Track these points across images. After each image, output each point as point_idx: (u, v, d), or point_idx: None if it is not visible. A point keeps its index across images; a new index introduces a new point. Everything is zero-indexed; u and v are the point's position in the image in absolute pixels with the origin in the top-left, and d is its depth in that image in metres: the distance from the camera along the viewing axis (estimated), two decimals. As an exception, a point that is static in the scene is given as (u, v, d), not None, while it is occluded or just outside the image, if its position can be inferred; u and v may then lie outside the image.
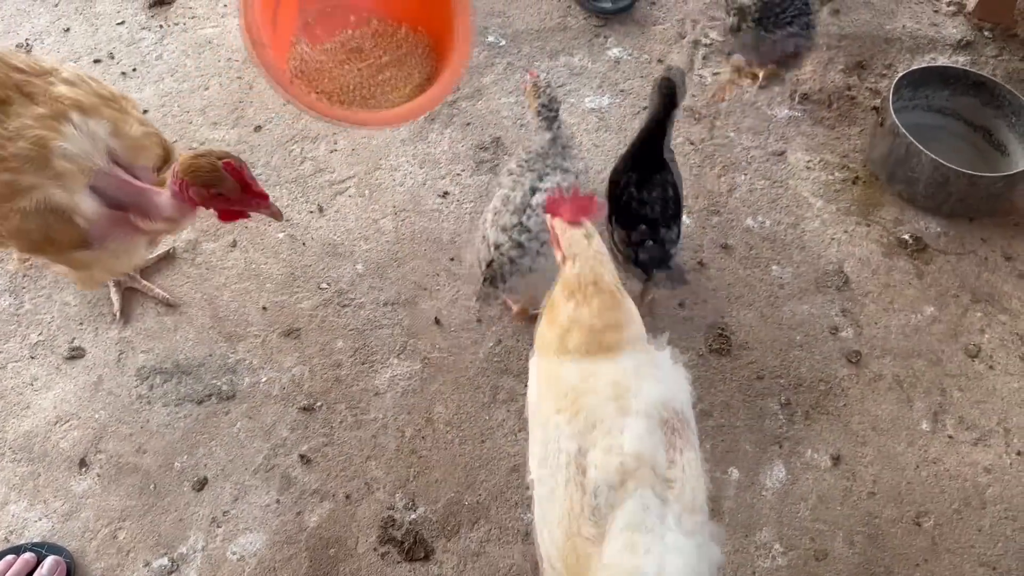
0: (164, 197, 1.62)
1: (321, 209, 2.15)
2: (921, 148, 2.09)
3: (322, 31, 2.05)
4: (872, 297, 2.07)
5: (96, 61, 2.41)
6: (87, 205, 1.55)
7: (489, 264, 1.68)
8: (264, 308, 1.99)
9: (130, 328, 1.96)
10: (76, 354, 1.92)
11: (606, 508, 1.20)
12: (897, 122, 2.12)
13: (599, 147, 2.31)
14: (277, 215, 1.64)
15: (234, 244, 2.09)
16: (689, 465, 1.24)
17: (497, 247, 1.67)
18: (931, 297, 2.07)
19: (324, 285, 2.03)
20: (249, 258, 2.07)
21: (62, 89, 1.54)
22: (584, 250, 1.35)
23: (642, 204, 1.80)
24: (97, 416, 1.84)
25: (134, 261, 1.82)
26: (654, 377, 1.31)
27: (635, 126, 2.35)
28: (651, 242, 1.76)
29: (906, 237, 2.16)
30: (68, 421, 1.83)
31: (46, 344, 1.93)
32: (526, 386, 1.89)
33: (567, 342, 1.33)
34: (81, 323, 1.96)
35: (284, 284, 2.03)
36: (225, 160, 1.53)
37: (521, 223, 1.67)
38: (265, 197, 1.60)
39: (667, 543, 1.17)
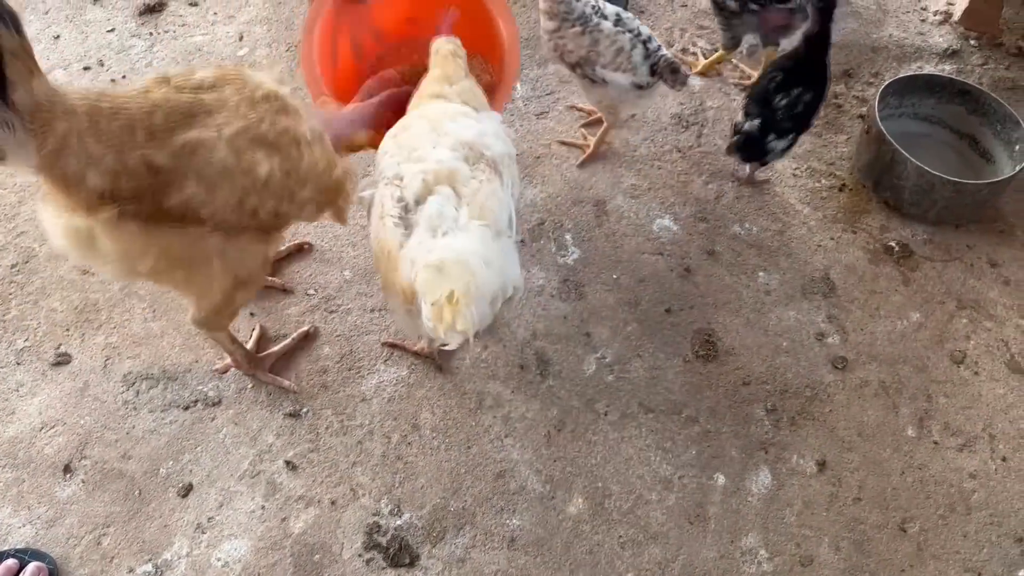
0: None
1: (309, 215, 2.15)
2: (907, 156, 2.10)
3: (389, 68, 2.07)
4: (858, 304, 2.07)
5: (86, 68, 2.41)
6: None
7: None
8: (252, 314, 1.99)
9: (116, 334, 1.96)
10: (62, 360, 1.91)
11: (413, 211, 1.40)
12: (883, 130, 2.13)
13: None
14: None
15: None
16: (487, 184, 1.43)
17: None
18: (917, 303, 2.08)
19: (311, 291, 2.04)
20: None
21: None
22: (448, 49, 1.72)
23: (771, 104, 2.05)
24: (82, 422, 1.83)
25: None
26: (471, 122, 1.53)
27: (623, 134, 2.36)
28: (752, 138, 2.08)
29: (892, 244, 2.17)
30: (53, 427, 1.83)
31: (32, 350, 1.93)
32: (512, 392, 1.90)
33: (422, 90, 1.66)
34: (67, 329, 1.96)
35: (271, 290, 2.03)
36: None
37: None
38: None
39: (457, 229, 1.36)
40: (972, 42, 2.55)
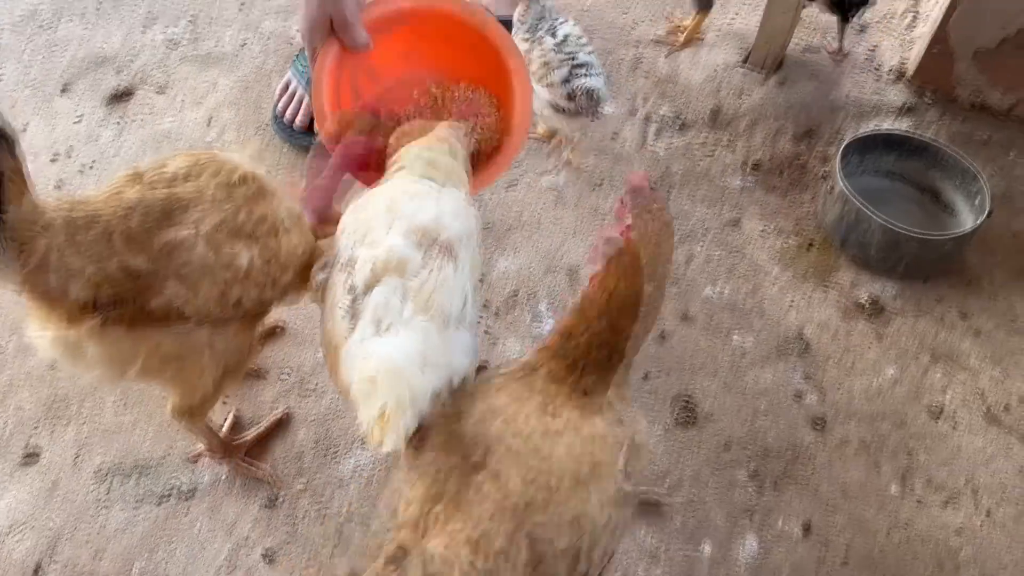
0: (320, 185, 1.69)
1: (281, 297, 2.15)
2: (871, 213, 2.13)
3: (390, 108, 2.04)
4: (833, 361, 2.08)
5: (53, 160, 2.41)
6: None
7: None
8: (224, 402, 1.96)
9: (87, 427, 1.92)
10: (31, 458, 1.87)
11: (361, 300, 1.36)
12: (845, 188, 2.17)
13: (557, 223, 2.34)
14: None
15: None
16: (438, 274, 1.38)
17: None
18: (891, 358, 2.09)
19: (285, 375, 2.02)
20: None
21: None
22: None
23: None
24: (53, 522, 1.78)
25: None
26: (430, 203, 1.48)
27: (591, 201, 2.38)
28: None
29: (863, 300, 2.19)
30: (22, 529, 1.77)
31: None
32: (492, 469, 1.88)
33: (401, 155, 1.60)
34: (36, 426, 1.92)
35: (245, 374, 2.01)
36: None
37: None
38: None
39: (400, 324, 1.32)
40: (927, 98, 2.62)
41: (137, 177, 1.46)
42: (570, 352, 1.31)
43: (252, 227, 1.49)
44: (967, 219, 2.25)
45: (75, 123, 2.49)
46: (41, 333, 1.43)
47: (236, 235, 1.47)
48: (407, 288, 1.36)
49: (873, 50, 2.74)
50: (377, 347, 1.31)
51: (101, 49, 2.68)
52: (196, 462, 1.87)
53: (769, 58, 2.60)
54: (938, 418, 2.00)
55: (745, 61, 2.66)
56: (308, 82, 2.45)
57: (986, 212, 2.15)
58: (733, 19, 2.78)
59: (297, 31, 2.72)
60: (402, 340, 1.31)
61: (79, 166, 2.40)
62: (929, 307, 2.19)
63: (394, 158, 1.64)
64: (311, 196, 1.70)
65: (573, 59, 2.20)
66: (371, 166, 1.71)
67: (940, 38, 2.49)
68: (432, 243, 1.42)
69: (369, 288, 1.37)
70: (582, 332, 1.31)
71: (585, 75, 2.18)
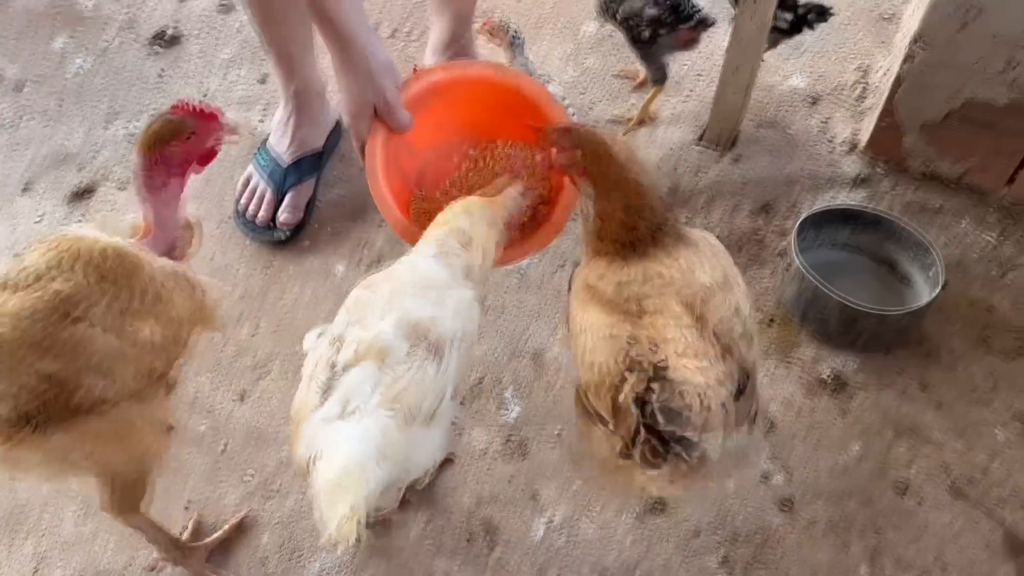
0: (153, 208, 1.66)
1: (243, 396, 2.13)
2: (827, 290, 2.16)
3: (432, 178, 2.05)
4: (799, 439, 2.09)
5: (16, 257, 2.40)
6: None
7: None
8: (186, 507, 1.93)
9: (46, 540, 1.89)
10: (-14, 576, 1.84)
11: (338, 377, 1.37)
12: (801, 266, 2.20)
13: (521, 307, 2.35)
14: (235, 129, 1.71)
15: (155, 440, 2.05)
16: (415, 372, 1.39)
17: None
18: (856, 434, 2.10)
19: (248, 476, 1.99)
20: (170, 455, 2.02)
21: None
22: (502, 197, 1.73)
23: None
24: (9, 642, 1.74)
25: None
26: (431, 299, 1.50)
27: (556, 283, 2.40)
28: None
29: (825, 376, 2.20)
30: (-23, 652, 1.73)
31: (-45, 566, 1.85)
32: (460, 566, 1.86)
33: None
34: (-7, 540, 1.89)
35: (207, 477, 1.99)
36: (172, 108, 1.64)
37: None
38: (216, 116, 1.67)
39: (364, 412, 1.32)
40: (880, 168, 2.67)
41: (4, 285, 1.46)
42: (612, 231, 1.60)
43: (139, 303, 1.51)
44: (923, 291, 2.29)
45: (36, 223, 2.49)
46: None
47: (130, 313, 1.49)
48: (381, 378, 1.37)
49: (826, 122, 2.81)
50: (340, 443, 1.30)
51: (63, 147, 2.69)
52: (154, 570, 1.84)
53: (724, 135, 2.66)
54: (904, 494, 2.01)
55: (700, 139, 2.71)
56: (270, 175, 2.48)
57: (940, 284, 2.18)
58: (687, 97, 2.84)
59: (260, 121, 2.76)
60: (361, 433, 1.32)
61: (40, 266, 2.39)
62: (891, 380, 2.21)
63: (437, 218, 1.67)
64: (157, 235, 1.66)
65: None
66: (196, 162, 1.70)
67: (888, 112, 2.55)
68: (421, 338, 1.43)
69: (347, 368, 1.38)
70: (609, 215, 1.60)
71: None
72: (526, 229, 1.91)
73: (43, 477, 1.55)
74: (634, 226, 1.59)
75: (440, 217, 1.68)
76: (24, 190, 2.58)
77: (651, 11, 2.46)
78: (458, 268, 1.58)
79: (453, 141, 2.05)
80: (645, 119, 2.76)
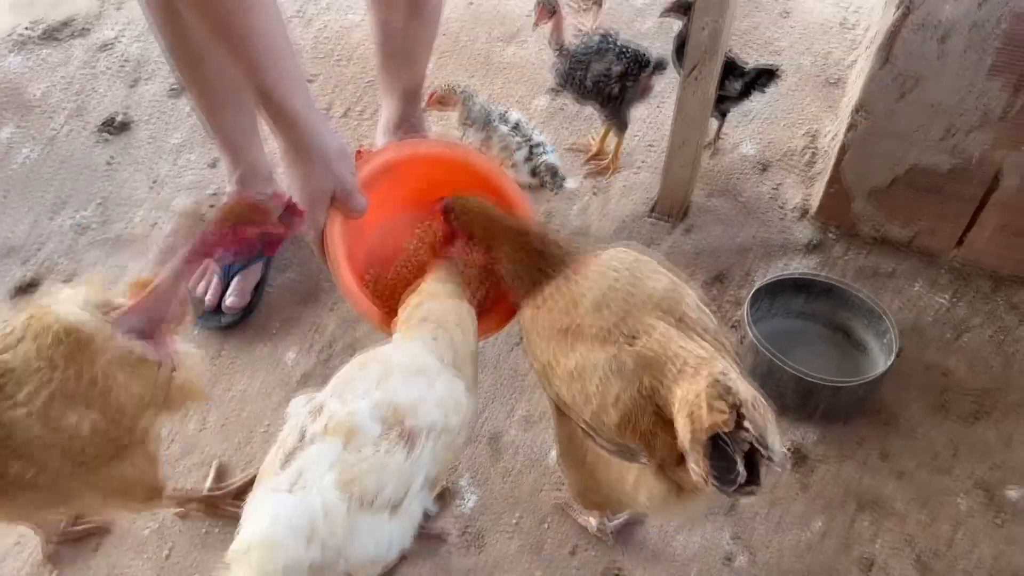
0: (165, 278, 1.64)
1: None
2: (782, 362, 2.15)
3: (381, 258, 2.03)
4: (760, 518, 2.05)
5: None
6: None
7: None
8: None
9: None
10: None
11: (303, 448, 1.37)
12: (755, 339, 2.19)
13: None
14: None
15: (96, 548, 1.97)
16: (382, 457, 1.37)
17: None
18: (818, 509, 2.07)
19: None
20: (112, 562, 1.95)
21: None
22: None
23: None
24: None
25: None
26: (420, 385, 1.49)
27: (511, 362, 2.37)
28: None
29: (785, 450, 2.17)
30: None
31: None
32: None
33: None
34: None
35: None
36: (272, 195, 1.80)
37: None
38: (302, 212, 1.77)
39: (314, 488, 1.31)
40: (831, 233, 2.69)
41: None
42: (518, 271, 1.73)
43: (84, 390, 1.46)
44: (879, 358, 2.28)
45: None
46: None
47: (69, 403, 1.45)
48: (343, 457, 1.34)
49: (777, 188, 2.83)
50: (268, 512, 1.28)
51: (6, 240, 2.64)
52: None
53: (674, 207, 2.67)
54: (870, 570, 1.97)
55: (652, 211, 2.72)
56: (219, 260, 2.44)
57: (895, 352, 2.18)
58: (638, 169, 2.86)
59: (211, 207, 2.73)
60: (296, 508, 1.28)
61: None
62: (851, 451, 2.18)
63: (400, 312, 1.69)
64: (150, 305, 1.62)
65: (529, 140, 2.57)
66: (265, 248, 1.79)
67: (836, 178, 2.57)
68: (397, 424, 1.41)
69: (313, 440, 1.36)
70: (506, 259, 1.75)
71: (543, 152, 2.57)
72: (484, 311, 1.90)
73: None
74: (535, 259, 1.71)
75: (410, 301, 1.69)
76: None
77: (617, 68, 2.57)
78: (445, 351, 1.59)
79: (399, 218, 2.03)
80: (615, 165, 2.85)
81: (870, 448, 2.19)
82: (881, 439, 2.20)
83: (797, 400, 2.18)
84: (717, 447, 1.30)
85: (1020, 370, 2.34)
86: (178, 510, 1.98)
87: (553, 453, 2.16)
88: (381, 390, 1.44)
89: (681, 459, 1.38)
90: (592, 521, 1.98)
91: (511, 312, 1.86)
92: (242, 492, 1.97)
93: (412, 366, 1.53)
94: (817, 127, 3.01)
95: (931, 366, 2.36)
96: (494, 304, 1.93)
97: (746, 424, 1.28)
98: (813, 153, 2.94)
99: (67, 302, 1.54)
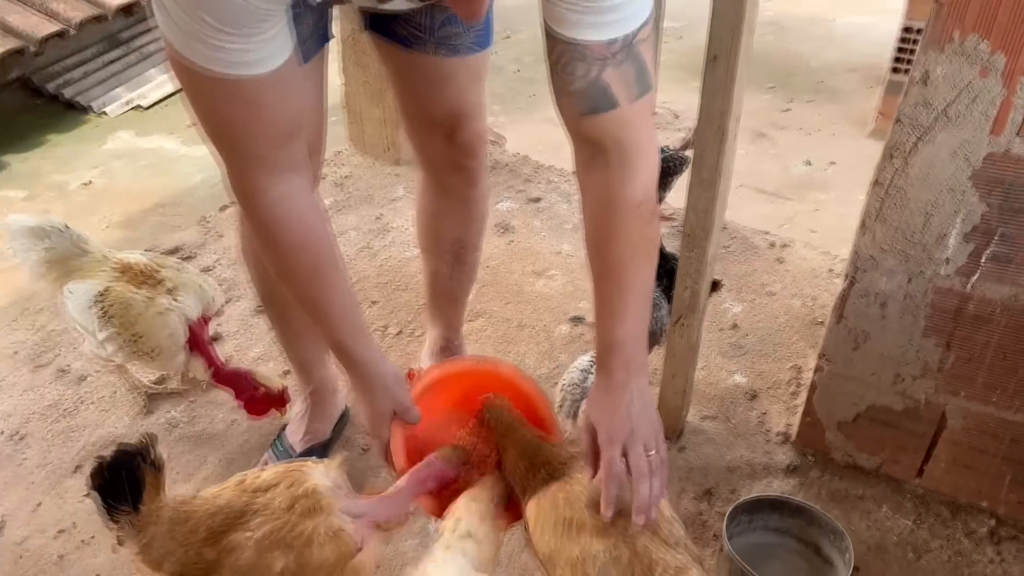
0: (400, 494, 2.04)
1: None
2: (751, 574, 2.49)
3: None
4: None
5: (57, 535, 2.80)
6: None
7: None
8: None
9: None
10: None
11: None
12: (730, 552, 2.55)
13: None
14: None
15: None
16: None
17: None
18: None
19: None
20: None
21: None
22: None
23: None
24: None
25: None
26: None
27: (523, 560, 2.74)
28: None
29: (755, 654, 2.47)
30: None
31: None
32: None
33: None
34: None
35: None
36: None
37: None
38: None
39: None
40: (809, 458, 3.07)
41: (241, 482, 1.93)
42: (526, 474, 2.05)
43: (292, 539, 1.86)
44: (843, 573, 2.60)
45: (79, 502, 2.92)
46: None
47: (278, 544, 1.85)
48: None
49: (763, 415, 3.25)
50: None
51: (110, 433, 3.17)
52: None
53: (669, 429, 3.09)
54: None
55: (651, 431, 3.15)
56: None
57: (850, 568, 2.51)
58: (642, 393, 3.32)
59: (281, 414, 3.24)
60: None
61: (78, 541, 2.78)
62: (816, 658, 2.46)
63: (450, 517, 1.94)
64: (388, 504, 2.02)
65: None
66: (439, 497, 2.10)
67: (809, 411, 3.00)
68: None
69: None
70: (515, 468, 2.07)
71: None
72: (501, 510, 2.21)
73: None
74: (539, 465, 2.04)
75: (453, 515, 1.95)
76: (74, 471, 3.03)
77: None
78: (474, 563, 1.85)
79: (442, 421, 2.37)
80: None
81: (833, 656, 2.47)
82: (844, 649, 2.49)
83: (766, 608, 2.51)
84: None
85: (972, 591, 2.64)
86: None
87: None
88: None
89: None
90: None
91: (519, 512, 2.15)
92: None
93: None
94: (802, 362, 3.47)
95: (892, 583, 2.67)
96: (508, 506, 2.25)
97: None
98: (798, 384, 3.37)
99: (317, 469, 2.00)
